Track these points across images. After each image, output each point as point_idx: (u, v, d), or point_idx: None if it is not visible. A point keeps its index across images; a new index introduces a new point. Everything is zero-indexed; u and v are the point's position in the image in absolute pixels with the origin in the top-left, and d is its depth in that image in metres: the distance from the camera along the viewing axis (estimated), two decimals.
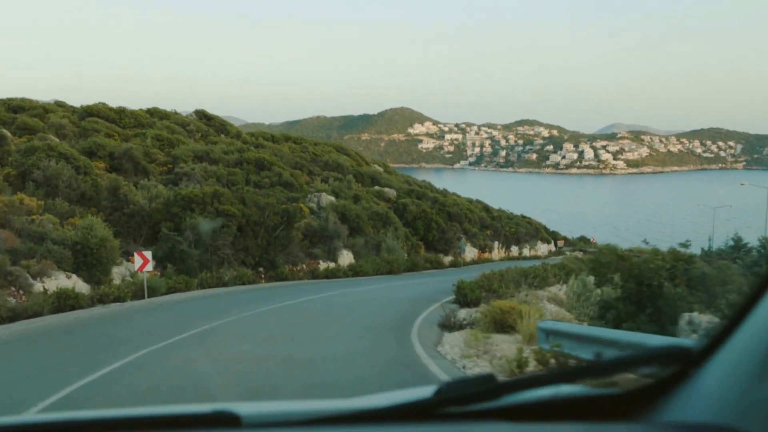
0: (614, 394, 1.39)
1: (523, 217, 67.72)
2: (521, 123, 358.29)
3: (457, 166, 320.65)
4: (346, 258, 32.45)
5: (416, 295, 20.83)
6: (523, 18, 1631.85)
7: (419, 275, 33.54)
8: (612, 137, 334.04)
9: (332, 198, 38.66)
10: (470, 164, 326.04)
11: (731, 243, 42.53)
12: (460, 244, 42.66)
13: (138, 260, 17.07)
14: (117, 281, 18.99)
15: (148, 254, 17.21)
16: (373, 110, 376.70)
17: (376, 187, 49.88)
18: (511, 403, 1.37)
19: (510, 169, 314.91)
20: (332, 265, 30.99)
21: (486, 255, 50.92)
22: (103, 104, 51.73)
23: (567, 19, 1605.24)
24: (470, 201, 59.86)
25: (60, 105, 51.38)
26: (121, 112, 51.07)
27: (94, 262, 18.08)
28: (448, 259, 42.25)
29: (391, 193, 48.81)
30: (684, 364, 1.31)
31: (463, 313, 14.67)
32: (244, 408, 1.46)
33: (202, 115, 60.45)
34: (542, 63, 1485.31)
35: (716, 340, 1.29)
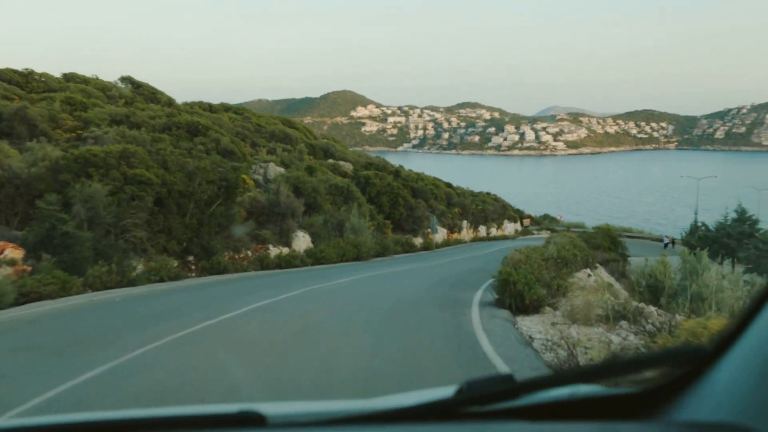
0: (629, 394, 1.39)
1: (488, 194, 62.14)
2: (463, 105, 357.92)
3: (400, 148, 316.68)
4: (302, 241, 25.73)
5: (421, 292, 14.33)
6: (464, 0, 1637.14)
7: (393, 261, 27.18)
8: (551, 119, 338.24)
9: (282, 169, 31.76)
10: (413, 147, 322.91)
11: (734, 216, 38.14)
12: (432, 222, 36.54)
13: None
14: None
15: None
16: (315, 93, 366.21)
17: (331, 161, 43.11)
18: (529, 402, 1.38)
19: (453, 151, 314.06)
20: (285, 250, 24.23)
21: (456, 235, 45.01)
22: (9, 68, 42.90)
23: (507, 2, 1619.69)
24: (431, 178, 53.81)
25: None
26: (28, 75, 42.46)
27: None
28: (418, 241, 36.01)
29: (347, 166, 42.13)
30: (697, 364, 1.31)
31: (558, 334, 8.34)
32: (268, 408, 1.43)
33: (128, 82, 51.64)
34: (482, 46, 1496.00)
35: (727, 339, 1.29)
